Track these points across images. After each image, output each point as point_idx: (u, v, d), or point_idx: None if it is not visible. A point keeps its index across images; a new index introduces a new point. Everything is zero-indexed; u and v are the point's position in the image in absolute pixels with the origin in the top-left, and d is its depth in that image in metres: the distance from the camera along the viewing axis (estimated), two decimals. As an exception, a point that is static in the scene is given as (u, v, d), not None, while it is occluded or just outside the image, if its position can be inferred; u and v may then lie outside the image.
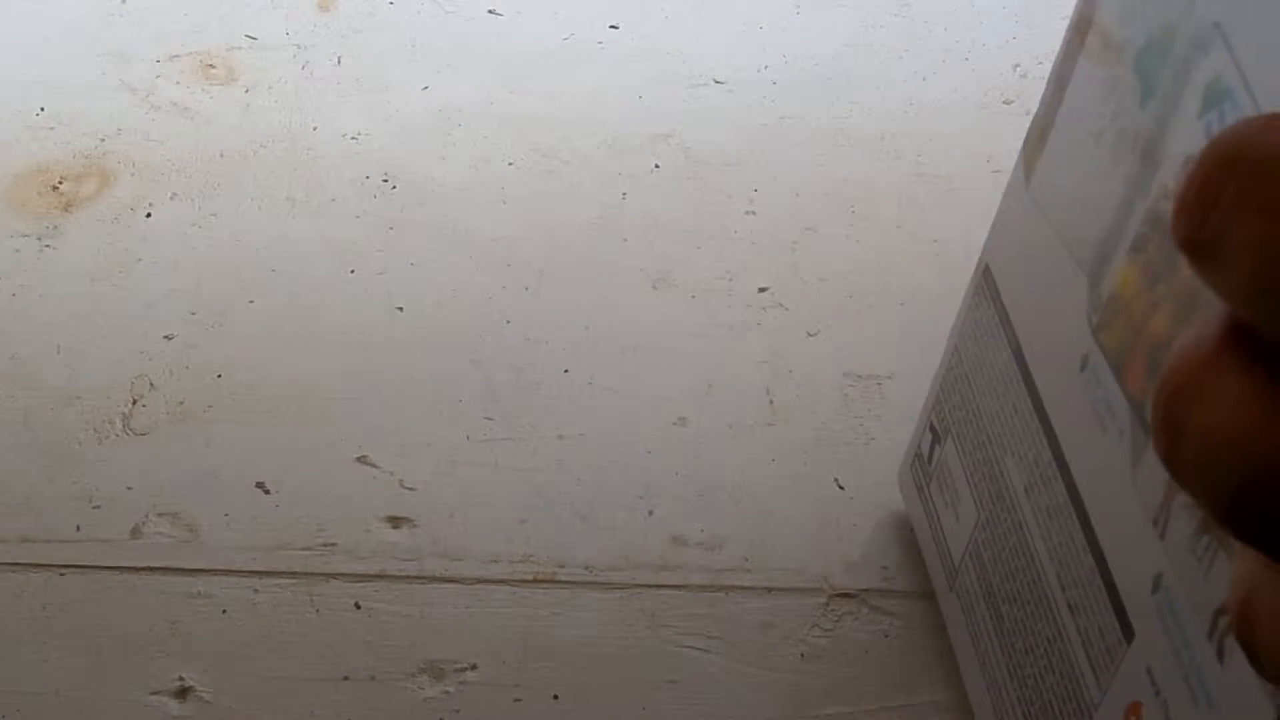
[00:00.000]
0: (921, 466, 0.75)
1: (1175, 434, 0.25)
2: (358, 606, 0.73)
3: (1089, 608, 0.59)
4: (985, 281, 0.70)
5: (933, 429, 0.74)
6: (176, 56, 1.04)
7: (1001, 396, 0.67)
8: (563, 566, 0.75)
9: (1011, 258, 0.68)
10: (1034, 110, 0.64)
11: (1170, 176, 0.54)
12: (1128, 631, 0.56)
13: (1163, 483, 0.54)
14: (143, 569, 0.74)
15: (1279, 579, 0.26)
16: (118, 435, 0.80)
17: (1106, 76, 0.59)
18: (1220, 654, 0.50)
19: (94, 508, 0.76)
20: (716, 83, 1.04)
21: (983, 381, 0.69)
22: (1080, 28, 0.62)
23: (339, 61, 1.04)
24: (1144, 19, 0.57)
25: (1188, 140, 0.53)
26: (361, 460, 0.79)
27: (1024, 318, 0.66)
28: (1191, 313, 0.53)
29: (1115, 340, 0.58)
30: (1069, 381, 0.61)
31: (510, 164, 0.97)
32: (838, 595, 0.75)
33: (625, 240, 0.93)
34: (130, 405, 0.81)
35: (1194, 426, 0.24)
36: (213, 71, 1.03)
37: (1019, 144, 0.64)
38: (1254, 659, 0.26)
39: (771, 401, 0.84)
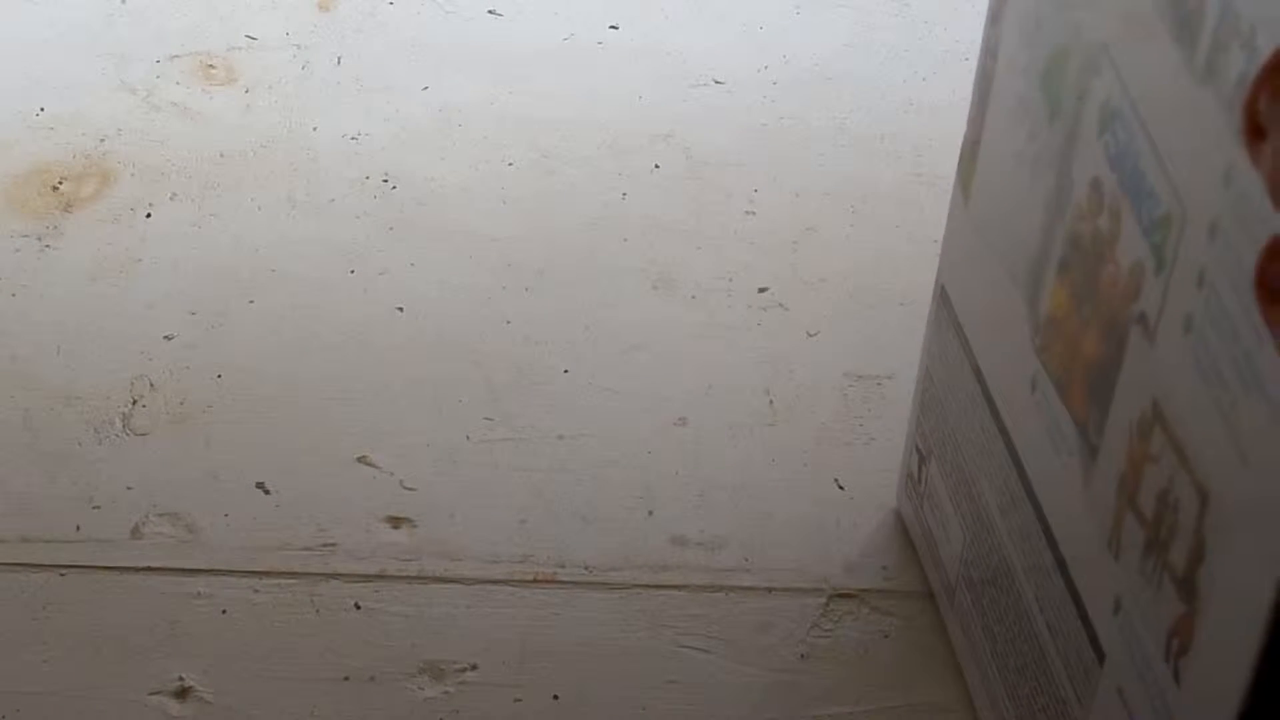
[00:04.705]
0: (913, 486, 0.75)
1: None
2: (358, 606, 0.73)
3: (1064, 630, 0.58)
4: (943, 302, 0.69)
5: (918, 450, 0.74)
6: (176, 56, 1.04)
7: (970, 417, 0.66)
8: (563, 566, 0.75)
9: (961, 279, 0.67)
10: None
11: (1081, 198, 0.54)
12: (1099, 653, 0.55)
13: (1113, 504, 0.53)
14: (143, 569, 0.74)
15: None
16: (118, 435, 0.80)
17: (1019, 96, 0.59)
18: (1176, 676, 0.49)
19: (94, 508, 0.76)
20: (716, 83, 1.04)
21: (953, 402, 0.68)
22: (990, 47, 0.61)
23: (339, 61, 1.04)
24: (1041, 40, 0.56)
25: (1091, 162, 0.53)
26: (361, 460, 0.79)
27: (979, 339, 0.65)
28: (1114, 336, 0.52)
29: (1056, 361, 0.57)
30: (1023, 403, 0.60)
31: (510, 164, 0.97)
32: (838, 595, 0.75)
33: (625, 240, 0.93)
34: (130, 405, 0.81)
35: None
36: (213, 72, 1.03)
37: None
38: None
39: (771, 402, 0.84)
